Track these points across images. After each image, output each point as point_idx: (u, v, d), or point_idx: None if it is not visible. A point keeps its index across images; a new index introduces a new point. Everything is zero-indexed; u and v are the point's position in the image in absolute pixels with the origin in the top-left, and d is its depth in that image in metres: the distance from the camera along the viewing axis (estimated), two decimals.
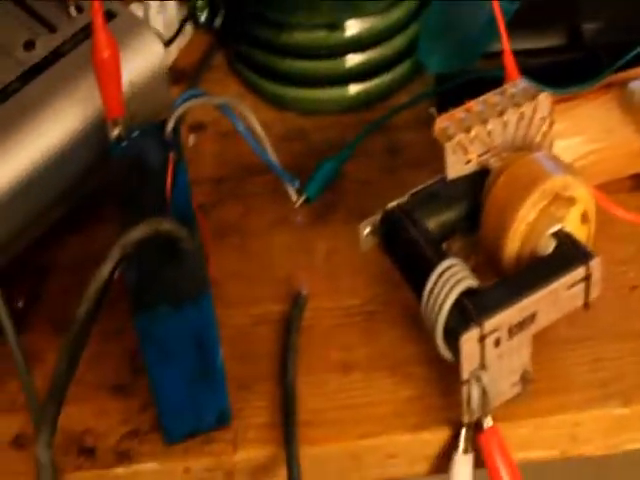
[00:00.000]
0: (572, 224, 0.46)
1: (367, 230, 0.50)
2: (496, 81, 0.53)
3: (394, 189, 0.52)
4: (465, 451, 0.45)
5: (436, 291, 0.45)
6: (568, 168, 0.48)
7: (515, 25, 0.59)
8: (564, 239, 0.46)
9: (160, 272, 0.45)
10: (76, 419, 0.50)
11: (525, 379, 0.45)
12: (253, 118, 0.55)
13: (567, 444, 0.47)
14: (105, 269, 0.42)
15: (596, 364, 0.49)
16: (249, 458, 0.47)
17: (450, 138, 0.48)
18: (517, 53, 0.57)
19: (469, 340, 0.43)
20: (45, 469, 0.41)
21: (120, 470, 0.48)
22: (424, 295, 0.45)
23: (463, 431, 0.45)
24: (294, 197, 0.57)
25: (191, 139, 0.66)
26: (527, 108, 0.49)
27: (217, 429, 0.48)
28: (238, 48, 0.68)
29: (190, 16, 0.70)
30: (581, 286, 0.45)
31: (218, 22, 0.70)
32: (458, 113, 0.49)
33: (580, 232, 0.47)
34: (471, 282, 0.44)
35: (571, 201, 0.46)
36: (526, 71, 0.54)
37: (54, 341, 0.54)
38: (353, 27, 0.64)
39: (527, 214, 0.46)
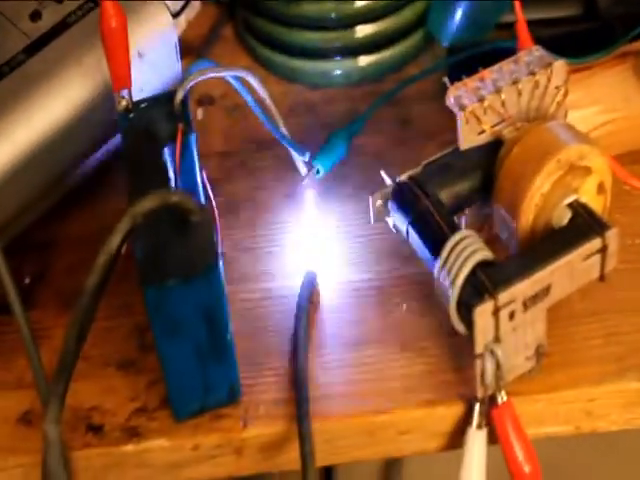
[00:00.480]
0: (588, 195, 0.45)
1: (378, 202, 0.49)
2: (509, 52, 0.52)
3: (405, 162, 0.51)
4: (479, 426, 0.44)
5: (449, 263, 0.44)
6: (584, 137, 0.47)
7: None
8: (580, 210, 0.45)
9: (169, 245, 0.44)
10: (84, 396, 0.49)
11: (539, 353, 0.44)
12: (264, 90, 0.54)
13: (582, 419, 0.46)
14: (114, 240, 0.41)
15: (611, 338, 0.48)
16: (258, 435, 0.47)
17: (463, 107, 0.47)
18: (531, 23, 0.56)
19: (483, 312, 0.42)
20: (54, 445, 0.40)
21: (129, 447, 0.47)
22: (437, 267, 0.44)
23: (477, 406, 0.44)
24: (303, 170, 0.56)
25: (199, 113, 0.65)
26: (542, 76, 0.48)
27: (227, 405, 0.48)
28: (246, 20, 0.67)
29: None
30: (597, 258, 0.44)
31: None
32: (472, 82, 0.48)
33: (596, 203, 0.46)
34: (485, 254, 0.43)
35: (587, 171, 0.45)
36: (540, 41, 0.53)
37: (61, 317, 0.54)
38: None
39: (541, 185, 0.45)
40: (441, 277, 0.44)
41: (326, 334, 0.50)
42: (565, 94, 0.49)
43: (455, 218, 0.48)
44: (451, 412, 0.46)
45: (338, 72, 0.64)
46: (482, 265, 0.43)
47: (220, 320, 0.44)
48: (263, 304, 0.52)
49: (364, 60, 0.64)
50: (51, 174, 0.52)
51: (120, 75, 0.51)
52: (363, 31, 0.64)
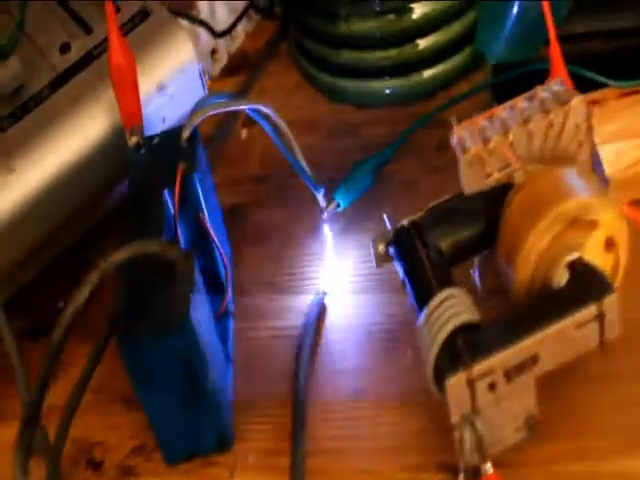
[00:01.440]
0: (594, 252, 0.41)
1: (380, 247, 0.47)
2: None
3: (438, 191, 0.48)
4: None
5: (431, 322, 0.41)
6: (593, 187, 0.42)
7: (586, 4, 0.53)
8: (580, 270, 0.40)
9: (147, 296, 0.43)
10: (91, 430, 0.50)
11: (529, 425, 0.41)
12: (281, 121, 0.53)
13: None
14: (82, 294, 0.41)
15: (626, 408, 0.43)
16: None
17: (466, 150, 0.44)
18: (585, 36, 0.51)
19: (456, 384, 0.39)
20: None
21: None
22: (419, 324, 0.41)
23: (460, 478, 0.42)
24: (322, 203, 0.54)
25: (243, 133, 0.64)
26: (556, 115, 0.43)
27: (220, 451, 0.47)
28: (296, 38, 0.66)
29: (250, 2, 0.68)
30: (594, 326, 0.39)
31: (277, 10, 0.67)
32: (479, 120, 0.44)
33: (604, 261, 0.41)
34: (468, 317, 0.40)
35: (592, 225, 0.41)
36: (593, 56, 0.48)
37: (84, 345, 0.55)
38: (417, 10, 0.60)
39: (538, 241, 0.40)
40: (422, 337, 0.41)
41: (328, 380, 0.48)
42: (588, 131, 0.44)
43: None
44: (438, 478, 0.43)
45: (384, 91, 0.62)
46: (467, 328, 0.40)
47: (198, 372, 0.43)
48: (271, 343, 0.51)
49: (411, 78, 0.61)
50: (64, 213, 0.52)
51: (130, 111, 0.51)
52: (410, 48, 0.60)
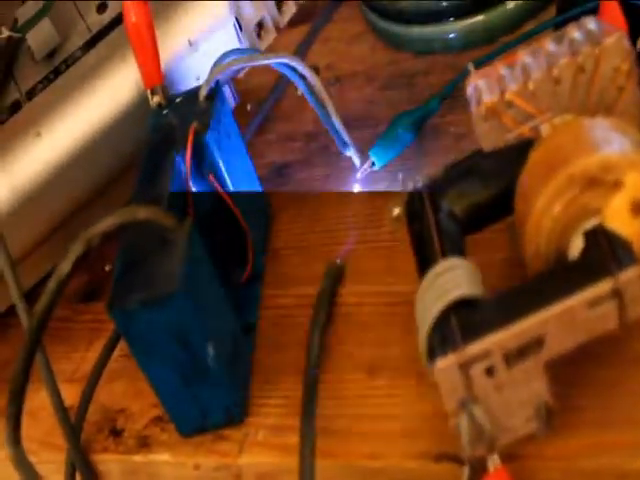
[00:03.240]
0: (616, 218, 0.35)
1: (396, 211, 0.42)
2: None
3: None
4: None
5: (427, 297, 0.36)
6: (629, 142, 0.36)
7: None
8: (598, 239, 0.34)
9: (145, 264, 0.41)
10: (117, 397, 0.49)
11: (541, 415, 0.36)
12: (312, 75, 0.49)
13: None
14: (65, 265, 0.39)
15: None
16: (254, 463, 0.43)
17: (480, 101, 0.38)
18: None
19: (446, 368, 0.34)
20: (21, 464, 0.41)
21: (137, 458, 0.46)
22: (416, 299, 0.37)
23: (465, 471, 0.37)
24: (357, 162, 0.50)
25: (300, 89, 0.61)
26: (587, 58, 0.37)
27: (229, 426, 0.45)
28: None
29: None
30: (611, 305, 0.34)
31: None
32: (498, 67, 0.39)
33: (629, 228, 0.35)
34: (465, 291, 0.35)
35: (616, 187, 0.35)
36: None
37: None
38: None
39: (548, 206, 0.35)
40: (417, 311, 0.37)
41: (344, 354, 0.45)
42: (630, 75, 0.38)
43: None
44: (445, 469, 0.39)
45: (444, 36, 0.56)
46: (465, 304, 0.36)
47: (195, 344, 0.41)
48: (297, 313, 0.48)
49: (471, 21, 0.55)
50: (91, 178, 0.51)
51: (149, 71, 0.48)
52: None
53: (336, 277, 0.46)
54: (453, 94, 0.53)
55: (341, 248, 0.50)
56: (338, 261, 0.47)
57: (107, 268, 0.57)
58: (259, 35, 0.63)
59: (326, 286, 0.45)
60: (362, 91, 0.57)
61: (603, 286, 0.33)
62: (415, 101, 0.54)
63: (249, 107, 0.61)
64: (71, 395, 0.51)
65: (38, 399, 0.50)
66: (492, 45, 0.54)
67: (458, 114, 0.52)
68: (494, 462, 0.36)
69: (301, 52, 0.63)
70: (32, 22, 0.53)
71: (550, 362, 0.35)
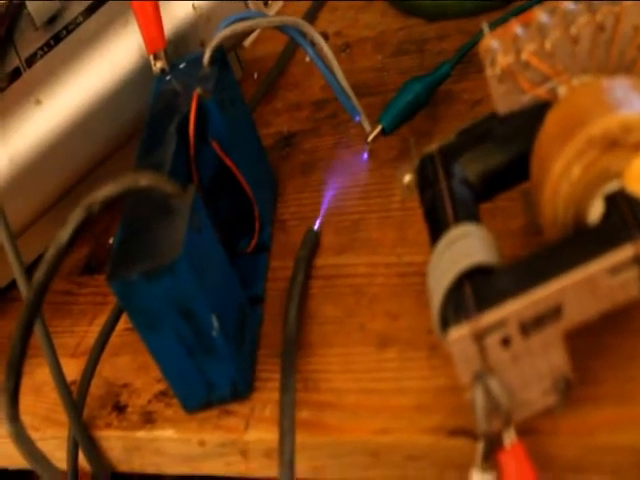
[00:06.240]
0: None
1: (407, 178, 0.41)
2: None
3: None
4: (483, 469, 0.36)
5: (440, 265, 0.35)
6: None
7: None
8: (619, 204, 0.33)
9: (142, 234, 0.40)
10: (120, 371, 0.48)
11: (559, 388, 0.34)
12: (319, 38, 0.47)
13: (630, 474, 0.36)
14: (65, 233, 0.38)
15: None
16: (260, 439, 0.42)
17: (495, 63, 0.37)
18: None
19: (460, 339, 0.33)
20: (21, 439, 0.40)
21: (141, 433, 0.45)
22: (429, 268, 0.35)
23: (480, 446, 0.36)
24: (367, 128, 0.48)
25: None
26: (607, 16, 0.35)
27: (235, 401, 0.44)
28: None
29: None
30: (634, 272, 0.32)
31: None
32: (513, 27, 0.37)
33: None
34: (480, 259, 0.34)
35: (638, 148, 0.33)
36: None
37: None
38: None
39: (567, 170, 0.33)
40: (430, 280, 0.35)
41: (354, 326, 0.43)
42: None
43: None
44: (459, 444, 0.37)
45: (457, 1, 0.54)
46: (480, 272, 0.34)
47: (199, 316, 0.40)
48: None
49: None
50: (93, 146, 0.50)
51: (152, 36, 0.47)
52: None
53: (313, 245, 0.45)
54: (467, 60, 0.51)
55: (347, 219, 0.48)
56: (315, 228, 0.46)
57: (111, 241, 0.56)
58: (266, 3, 0.62)
59: (303, 254, 0.44)
60: (372, 58, 0.56)
61: (624, 252, 0.31)
62: (427, 68, 0.52)
63: (256, 75, 0.59)
64: (74, 370, 0.50)
65: (43, 374, 0.49)
66: (507, 9, 0.52)
67: (472, 80, 0.50)
68: (510, 437, 0.35)
69: (309, 19, 0.62)
70: None
71: (569, 332, 0.34)
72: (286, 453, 0.40)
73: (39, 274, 0.38)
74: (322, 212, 0.48)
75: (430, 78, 0.48)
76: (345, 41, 0.58)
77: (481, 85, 0.49)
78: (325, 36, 0.57)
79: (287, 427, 0.40)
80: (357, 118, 0.46)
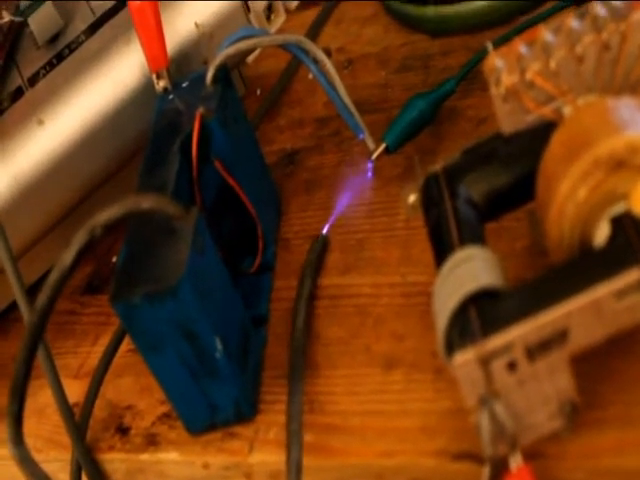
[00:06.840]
0: None
1: (412, 198, 0.40)
2: None
3: None
4: None
5: (445, 288, 0.35)
6: None
7: None
8: (625, 226, 0.32)
9: (145, 255, 0.40)
10: (124, 393, 0.47)
11: (565, 412, 0.34)
12: (322, 55, 0.47)
13: None
14: (68, 256, 0.38)
15: None
16: (264, 462, 0.42)
17: (500, 82, 0.36)
18: None
19: (465, 363, 0.32)
20: (25, 463, 0.39)
21: (145, 456, 0.44)
22: (434, 291, 0.35)
23: (486, 469, 0.35)
24: (371, 146, 0.48)
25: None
26: (612, 35, 0.35)
27: (239, 423, 0.43)
28: None
29: None
30: (639, 295, 0.32)
31: None
32: (518, 45, 0.37)
33: None
34: (486, 282, 0.33)
35: None
36: None
37: None
38: None
39: (573, 191, 0.33)
40: (435, 303, 0.35)
41: (361, 347, 0.43)
42: None
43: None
44: (464, 468, 0.37)
45: (461, 16, 0.54)
46: (486, 296, 0.34)
47: (202, 338, 0.40)
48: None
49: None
50: (95, 166, 0.50)
51: (155, 55, 0.47)
52: None
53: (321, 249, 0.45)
54: (472, 76, 0.51)
55: (352, 237, 0.48)
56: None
57: (114, 260, 0.56)
58: (268, 18, 0.62)
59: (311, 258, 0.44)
60: (376, 74, 0.55)
61: (631, 275, 0.31)
62: (431, 84, 0.52)
63: (258, 92, 0.59)
64: (77, 391, 0.49)
65: (45, 396, 0.48)
66: (511, 25, 0.52)
67: (477, 97, 0.50)
68: (516, 461, 0.34)
69: (312, 35, 0.61)
70: (34, 6, 0.51)
71: (575, 356, 0.33)
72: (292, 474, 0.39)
73: (42, 298, 0.38)
74: (331, 219, 0.48)
75: (434, 95, 0.48)
76: (348, 57, 0.58)
77: (486, 102, 0.49)
78: (328, 52, 0.58)
79: (294, 453, 0.39)
80: (361, 136, 0.46)
